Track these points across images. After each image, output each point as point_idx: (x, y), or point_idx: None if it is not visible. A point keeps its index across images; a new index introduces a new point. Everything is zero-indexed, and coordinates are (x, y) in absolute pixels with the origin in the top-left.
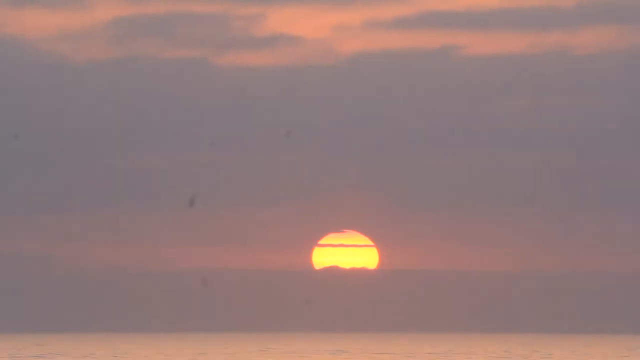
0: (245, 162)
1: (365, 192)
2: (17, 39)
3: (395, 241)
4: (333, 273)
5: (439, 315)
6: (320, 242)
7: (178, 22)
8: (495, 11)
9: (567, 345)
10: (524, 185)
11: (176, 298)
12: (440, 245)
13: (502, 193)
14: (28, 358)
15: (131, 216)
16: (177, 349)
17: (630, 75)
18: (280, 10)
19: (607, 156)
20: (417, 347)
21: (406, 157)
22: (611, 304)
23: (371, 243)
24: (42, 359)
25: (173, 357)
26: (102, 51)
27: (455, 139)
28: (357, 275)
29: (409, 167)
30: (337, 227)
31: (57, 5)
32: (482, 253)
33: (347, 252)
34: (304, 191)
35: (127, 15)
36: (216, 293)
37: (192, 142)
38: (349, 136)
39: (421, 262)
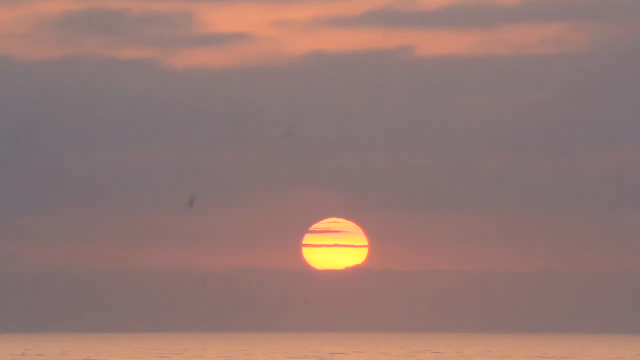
0: (193, 162)
1: (327, 191)
2: None
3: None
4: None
5: (414, 314)
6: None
7: (129, 20)
8: (444, 10)
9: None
10: (499, 185)
11: (176, 298)
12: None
13: (465, 193)
14: (35, 357)
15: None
16: (177, 348)
17: (581, 72)
18: (233, 9)
19: (565, 154)
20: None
21: (365, 155)
22: (601, 303)
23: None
24: (44, 359)
25: (173, 357)
26: (50, 49)
27: (416, 137)
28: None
29: (365, 166)
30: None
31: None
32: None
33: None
34: (272, 191)
35: (77, 11)
36: (216, 293)
37: (143, 142)
38: (306, 135)
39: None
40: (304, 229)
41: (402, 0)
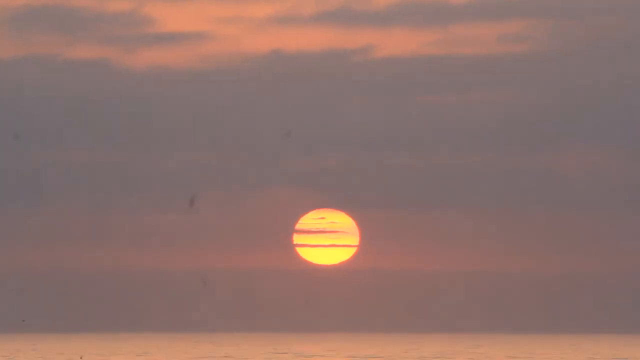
0: (144, 163)
1: (296, 191)
2: None
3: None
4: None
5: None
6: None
7: (81, 18)
8: (400, 9)
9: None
10: (466, 184)
11: (176, 298)
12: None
13: (436, 192)
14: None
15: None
16: (175, 347)
17: (541, 70)
18: (186, 6)
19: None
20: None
21: (330, 155)
22: (587, 304)
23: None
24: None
25: (174, 357)
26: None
27: (383, 137)
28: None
29: (332, 166)
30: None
31: None
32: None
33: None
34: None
35: (29, 8)
36: (215, 293)
37: (92, 143)
38: (270, 135)
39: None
40: (286, 228)
41: None
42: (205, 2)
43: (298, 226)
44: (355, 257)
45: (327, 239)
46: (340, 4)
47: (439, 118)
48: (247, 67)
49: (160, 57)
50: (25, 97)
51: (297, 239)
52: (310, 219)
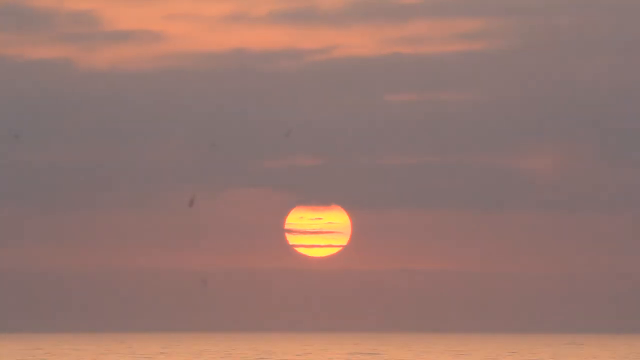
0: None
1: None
2: None
3: None
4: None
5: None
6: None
7: (38, 17)
8: (358, 8)
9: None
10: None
11: (176, 298)
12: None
13: (386, 192)
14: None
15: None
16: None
17: (500, 68)
18: (146, 4)
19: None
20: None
21: (289, 155)
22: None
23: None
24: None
25: (173, 357)
26: None
27: (338, 136)
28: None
29: (293, 167)
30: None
31: None
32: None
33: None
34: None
35: None
36: (215, 293)
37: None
38: (230, 136)
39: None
40: (255, 228)
41: None
42: (162, 1)
43: (293, 226)
44: (332, 257)
45: (321, 239)
46: (295, 3)
47: (400, 117)
48: (208, 66)
49: (120, 56)
50: None
51: (293, 239)
52: (299, 218)
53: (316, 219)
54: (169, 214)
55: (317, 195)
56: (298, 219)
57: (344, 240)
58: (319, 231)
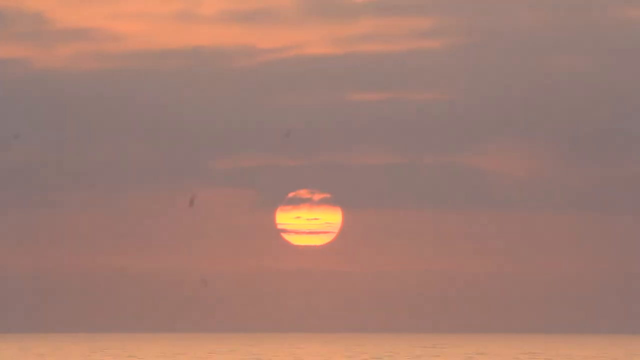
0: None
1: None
2: None
3: None
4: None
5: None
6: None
7: None
8: (313, 5)
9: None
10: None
11: (176, 298)
12: None
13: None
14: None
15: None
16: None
17: (454, 65)
18: (96, 3)
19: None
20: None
21: (243, 154)
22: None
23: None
24: (45, 359)
25: (173, 357)
26: None
27: (300, 136)
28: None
29: (249, 167)
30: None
31: None
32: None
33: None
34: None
35: None
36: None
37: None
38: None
39: None
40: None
41: None
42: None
43: (288, 226)
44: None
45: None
46: (245, 2)
47: (357, 116)
48: (162, 64)
49: (75, 54)
50: None
51: (293, 239)
52: (295, 218)
53: (311, 218)
54: (133, 213)
55: (277, 195)
56: (293, 218)
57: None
58: (312, 231)
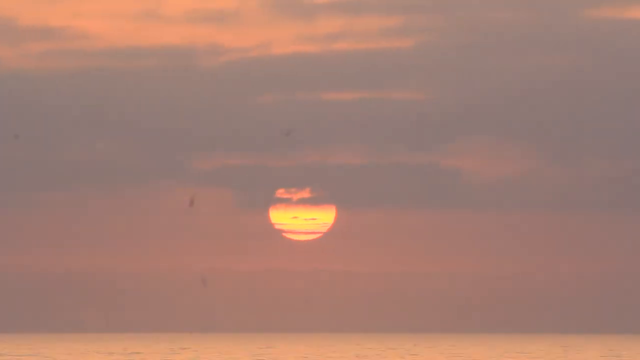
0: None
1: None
2: None
3: None
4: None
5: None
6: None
7: None
8: (280, 4)
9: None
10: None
11: (176, 298)
12: None
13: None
14: (24, 357)
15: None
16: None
17: (419, 64)
18: (60, 2)
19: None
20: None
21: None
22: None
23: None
24: (45, 359)
25: (173, 357)
26: None
27: (262, 136)
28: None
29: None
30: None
31: None
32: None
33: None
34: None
35: None
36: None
37: None
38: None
39: None
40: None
41: None
42: None
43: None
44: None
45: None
46: (209, 2)
47: (326, 115)
48: (131, 63)
49: (40, 53)
50: None
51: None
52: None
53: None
54: (111, 213)
55: (255, 195)
56: (290, 218)
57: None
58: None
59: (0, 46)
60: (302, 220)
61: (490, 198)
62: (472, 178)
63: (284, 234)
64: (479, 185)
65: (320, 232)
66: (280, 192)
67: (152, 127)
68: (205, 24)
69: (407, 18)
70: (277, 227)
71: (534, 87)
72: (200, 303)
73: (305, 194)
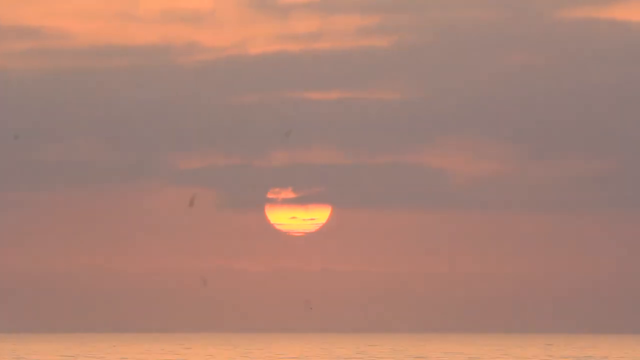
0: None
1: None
2: None
3: None
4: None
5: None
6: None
7: None
8: (257, 4)
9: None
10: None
11: (176, 298)
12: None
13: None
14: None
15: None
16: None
17: (408, 64)
18: (33, 1)
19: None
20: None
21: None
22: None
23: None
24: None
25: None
26: None
27: (244, 136)
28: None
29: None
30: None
31: None
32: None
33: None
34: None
35: None
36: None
37: None
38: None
39: None
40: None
41: None
42: None
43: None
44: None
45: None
46: (183, 2)
47: (303, 115)
48: (108, 62)
49: (17, 53)
50: None
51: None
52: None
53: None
54: (93, 213)
55: (234, 195)
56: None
57: None
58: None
59: None
60: (289, 220)
61: (472, 197)
62: (454, 178)
63: (274, 232)
64: (456, 185)
65: (303, 232)
66: (265, 192)
67: (135, 126)
68: (183, 24)
69: (384, 17)
70: (261, 227)
71: (514, 86)
72: (177, 304)
73: (289, 193)
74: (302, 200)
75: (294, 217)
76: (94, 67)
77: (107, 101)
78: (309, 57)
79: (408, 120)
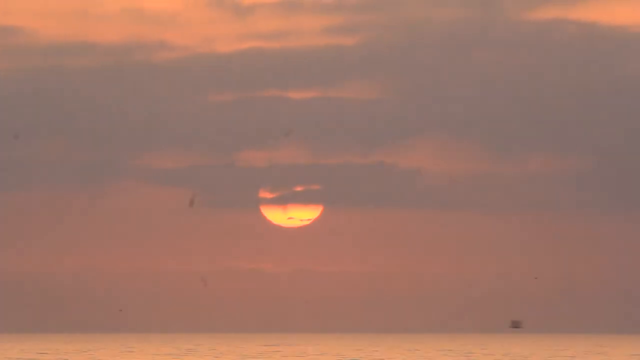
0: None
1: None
2: None
3: None
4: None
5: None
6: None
7: None
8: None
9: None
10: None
11: (176, 298)
12: None
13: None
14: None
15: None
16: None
17: (376, 62)
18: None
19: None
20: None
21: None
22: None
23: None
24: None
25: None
26: None
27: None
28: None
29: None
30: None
31: None
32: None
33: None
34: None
35: None
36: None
37: None
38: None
39: None
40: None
41: None
42: None
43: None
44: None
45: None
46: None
47: (281, 114)
48: (70, 61)
49: None
50: None
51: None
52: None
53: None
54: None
55: (218, 196)
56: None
57: None
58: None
59: None
60: (267, 219)
61: (437, 196)
62: (427, 177)
63: (251, 231)
64: (424, 185)
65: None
66: (236, 191)
67: (102, 125)
68: (148, 23)
69: (348, 17)
70: (236, 225)
71: (482, 84)
72: (150, 304)
73: (267, 194)
74: (289, 200)
75: (272, 217)
76: (64, 66)
77: (74, 100)
78: (279, 55)
79: (380, 119)
